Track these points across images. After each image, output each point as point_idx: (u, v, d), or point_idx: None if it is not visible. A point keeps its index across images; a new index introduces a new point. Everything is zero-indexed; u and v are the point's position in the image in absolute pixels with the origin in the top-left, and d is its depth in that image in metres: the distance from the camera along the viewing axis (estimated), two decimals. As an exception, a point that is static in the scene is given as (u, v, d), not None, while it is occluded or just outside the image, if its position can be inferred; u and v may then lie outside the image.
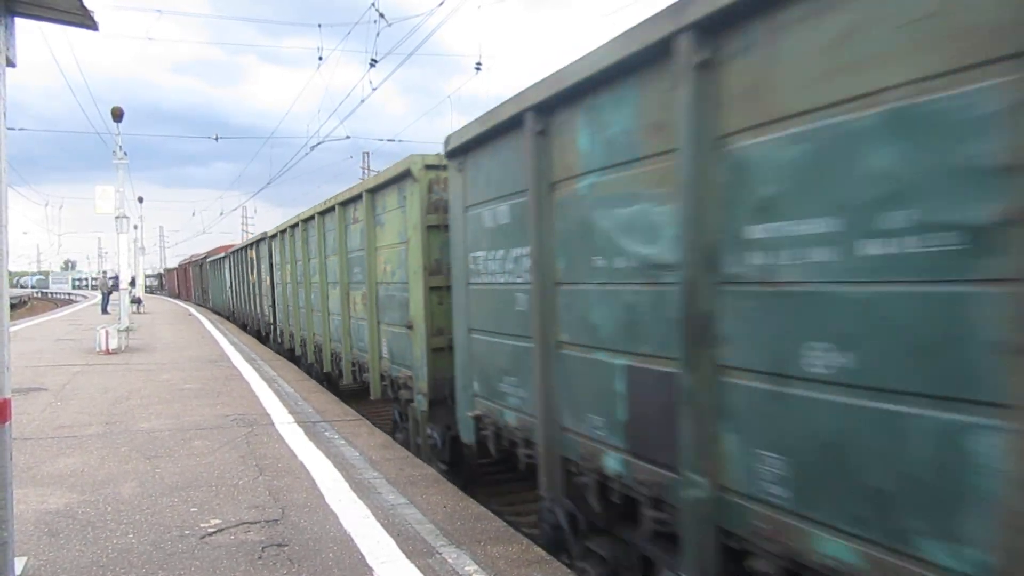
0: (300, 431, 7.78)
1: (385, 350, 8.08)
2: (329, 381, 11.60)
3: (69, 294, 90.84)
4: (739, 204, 2.79)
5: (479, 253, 5.18)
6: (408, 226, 6.79)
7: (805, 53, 2.51)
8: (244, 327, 22.96)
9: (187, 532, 4.70)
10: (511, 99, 4.43)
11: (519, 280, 4.59)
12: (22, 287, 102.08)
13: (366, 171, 57.79)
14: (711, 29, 2.85)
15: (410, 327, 6.92)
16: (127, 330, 19.02)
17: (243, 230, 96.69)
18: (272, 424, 8.14)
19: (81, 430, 7.95)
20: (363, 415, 13.95)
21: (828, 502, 2.51)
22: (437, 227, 6.56)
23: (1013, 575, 1.98)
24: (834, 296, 2.42)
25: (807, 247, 2.51)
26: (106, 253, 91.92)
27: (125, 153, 22.91)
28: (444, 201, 6.38)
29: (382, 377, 8.32)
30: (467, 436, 5.65)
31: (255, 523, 4.85)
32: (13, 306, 66.96)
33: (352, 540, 4.53)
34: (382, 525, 4.80)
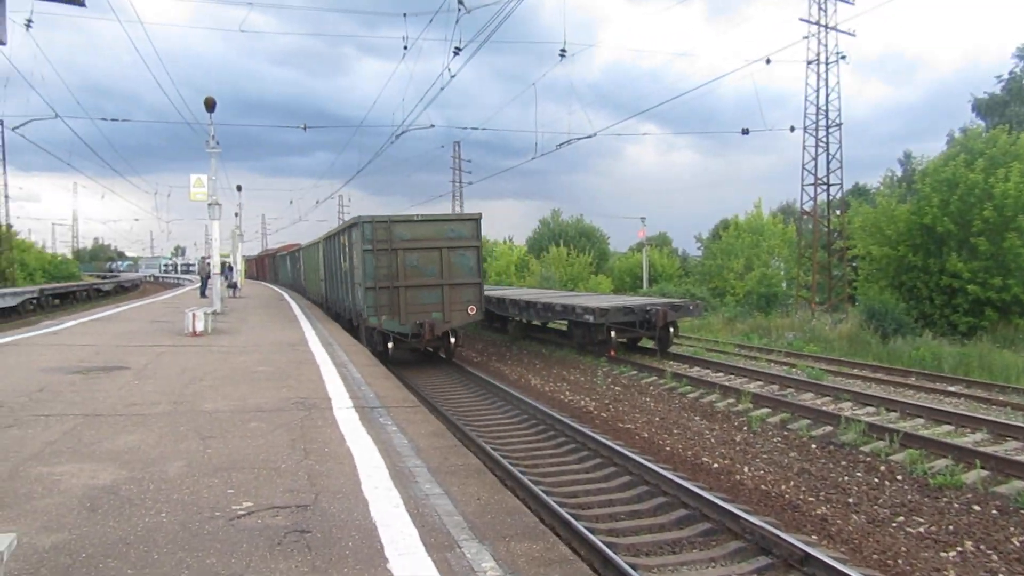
0: (355, 417, 7.84)
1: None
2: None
3: (178, 278, 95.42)
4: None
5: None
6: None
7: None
8: (302, 293, 34.81)
9: (217, 514, 4.77)
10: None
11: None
12: (111, 272, 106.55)
13: (456, 160, 58.30)
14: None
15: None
16: (216, 313, 19.76)
17: (339, 218, 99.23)
18: (330, 409, 8.24)
19: (149, 408, 8.26)
20: (427, 399, 14.12)
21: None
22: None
23: None
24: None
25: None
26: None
27: (217, 142, 23.79)
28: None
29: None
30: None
31: (285, 508, 4.87)
32: (126, 289, 71.00)
33: (376, 529, 4.48)
34: (410, 515, 4.75)
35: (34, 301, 38.47)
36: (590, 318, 18.41)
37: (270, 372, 10.97)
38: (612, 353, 18.95)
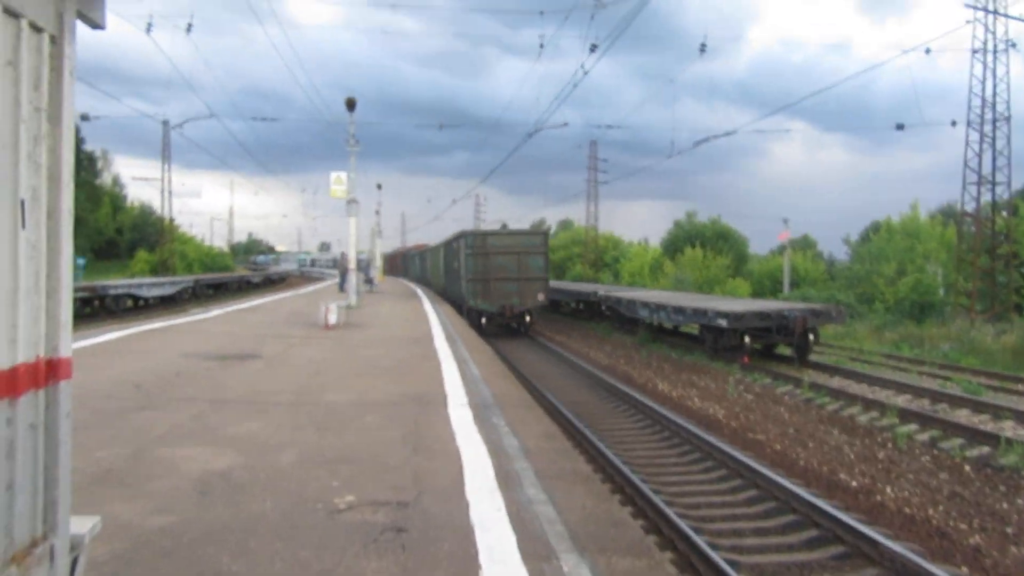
0: (469, 415, 7.78)
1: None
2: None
3: (323, 272, 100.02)
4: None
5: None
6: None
7: None
8: (428, 285, 42.27)
9: (319, 506, 4.77)
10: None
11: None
12: (255, 266, 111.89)
13: (592, 159, 58.05)
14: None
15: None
16: (350, 307, 20.41)
17: (475, 216, 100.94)
18: (445, 406, 8.22)
19: (274, 397, 8.52)
20: (547, 399, 14.00)
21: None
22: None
23: None
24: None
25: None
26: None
27: (357, 141, 24.55)
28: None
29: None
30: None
31: (385, 504, 4.82)
32: (273, 281, 75.08)
33: (473, 534, 4.34)
34: (511, 521, 4.58)
35: (189, 290, 41.23)
36: (723, 322, 17.84)
37: (392, 366, 11.14)
38: (746, 360, 18.20)
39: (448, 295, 31.87)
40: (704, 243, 52.43)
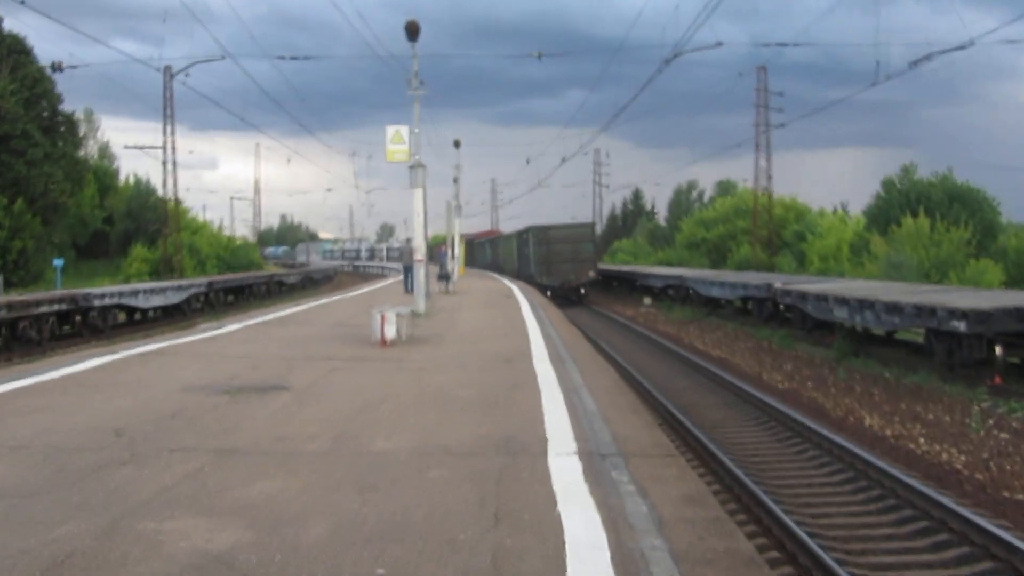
0: (578, 467, 7.64)
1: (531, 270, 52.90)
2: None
3: (383, 267, 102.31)
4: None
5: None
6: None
7: None
8: (501, 270, 68.51)
9: (354, 605, 4.71)
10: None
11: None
12: (266, 259, 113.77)
13: (761, 93, 57.15)
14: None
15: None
16: (416, 315, 20.63)
17: (595, 181, 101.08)
18: (544, 454, 8.11)
19: (302, 445, 8.59)
20: (697, 440, 13.76)
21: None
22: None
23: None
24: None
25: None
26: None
27: (422, 82, 24.82)
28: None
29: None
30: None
31: (449, 602, 4.72)
32: (316, 281, 76.96)
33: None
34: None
35: (200, 297, 42.70)
36: (960, 325, 17.46)
37: (472, 397, 11.13)
38: (997, 380, 17.60)
39: (521, 276, 56.43)
40: (930, 209, 50.70)
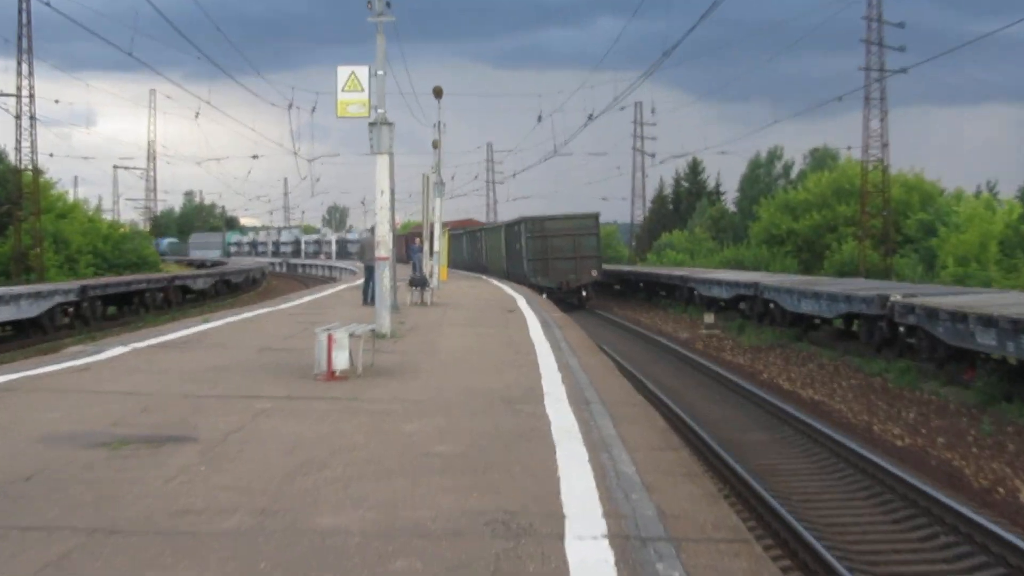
0: (609, 558, 7.60)
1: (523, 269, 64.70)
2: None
3: (331, 268, 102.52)
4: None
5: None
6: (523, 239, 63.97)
7: None
8: (485, 270, 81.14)
9: None
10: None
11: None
12: (163, 255, 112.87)
13: (872, 28, 57.20)
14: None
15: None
16: (378, 336, 20.58)
17: (635, 148, 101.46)
18: (560, 537, 8.06)
19: (214, 522, 8.53)
20: (771, 523, 13.76)
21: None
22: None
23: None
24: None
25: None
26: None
27: (388, 3, 24.71)
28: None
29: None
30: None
31: None
32: (235, 286, 77.03)
33: None
34: None
35: (71, 309, 42.50)
36: None
37: (458, 454, 11.08)
38: None
39: (511, 276, 64.86)
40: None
